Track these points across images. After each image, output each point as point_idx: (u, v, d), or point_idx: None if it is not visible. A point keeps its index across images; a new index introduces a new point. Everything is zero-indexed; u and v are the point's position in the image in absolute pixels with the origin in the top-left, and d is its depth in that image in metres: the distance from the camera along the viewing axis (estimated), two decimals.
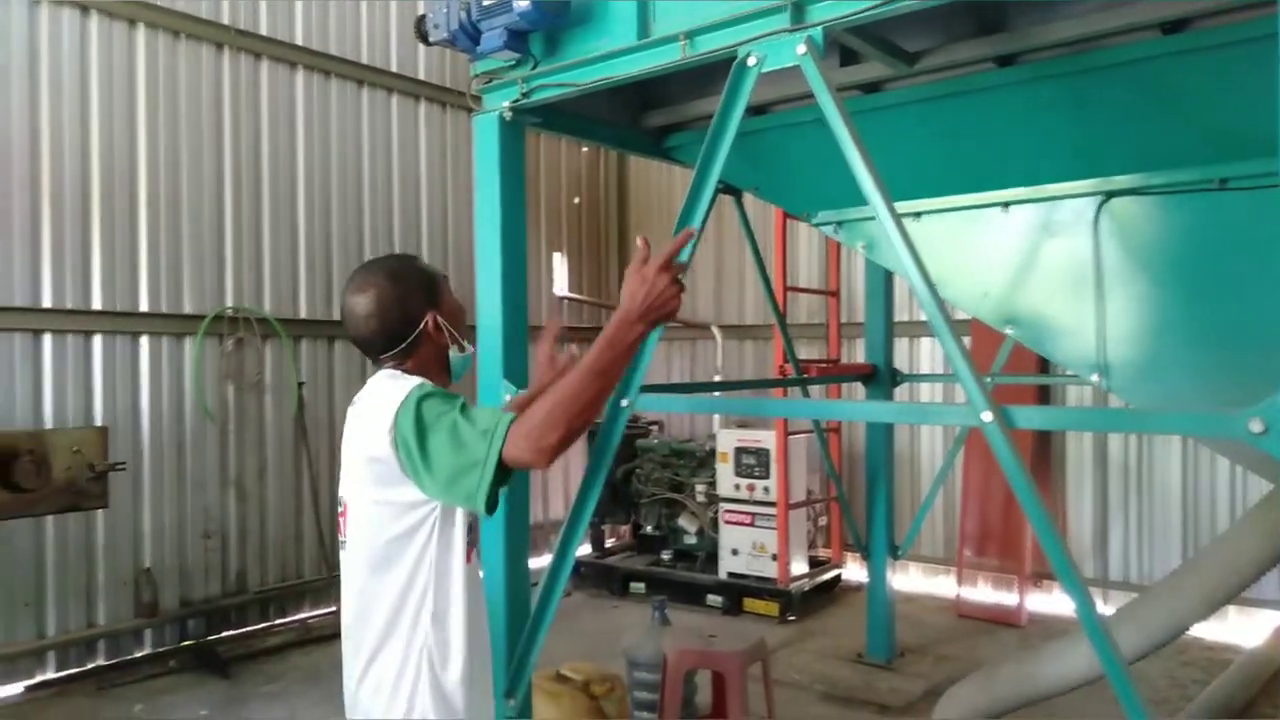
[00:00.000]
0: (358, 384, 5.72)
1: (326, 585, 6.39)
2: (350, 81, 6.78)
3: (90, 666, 5.31)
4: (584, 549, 7.55)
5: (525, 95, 3.21)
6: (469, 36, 3.12)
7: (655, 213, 8.74)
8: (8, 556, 4.99)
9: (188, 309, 5.85)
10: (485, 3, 3.01)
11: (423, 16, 3.26)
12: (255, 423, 6.18)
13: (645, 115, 3.96)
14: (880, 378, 5.48)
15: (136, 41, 5.67)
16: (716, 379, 7.73)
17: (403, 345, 2.01)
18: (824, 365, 5.95)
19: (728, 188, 4.62)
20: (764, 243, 5.68)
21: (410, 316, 2.00)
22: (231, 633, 5.95)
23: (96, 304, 5.46)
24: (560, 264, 8.34)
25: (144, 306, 5.67)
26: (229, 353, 5.99)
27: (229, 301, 6.02)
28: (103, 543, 5.39)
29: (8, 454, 3.79)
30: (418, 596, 1.89)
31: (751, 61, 2.64)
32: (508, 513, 3.25)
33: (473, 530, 2.00)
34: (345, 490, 1.99)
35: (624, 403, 2.88)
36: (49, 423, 5.16)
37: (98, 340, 5.45)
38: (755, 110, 3.69)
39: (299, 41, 6.46)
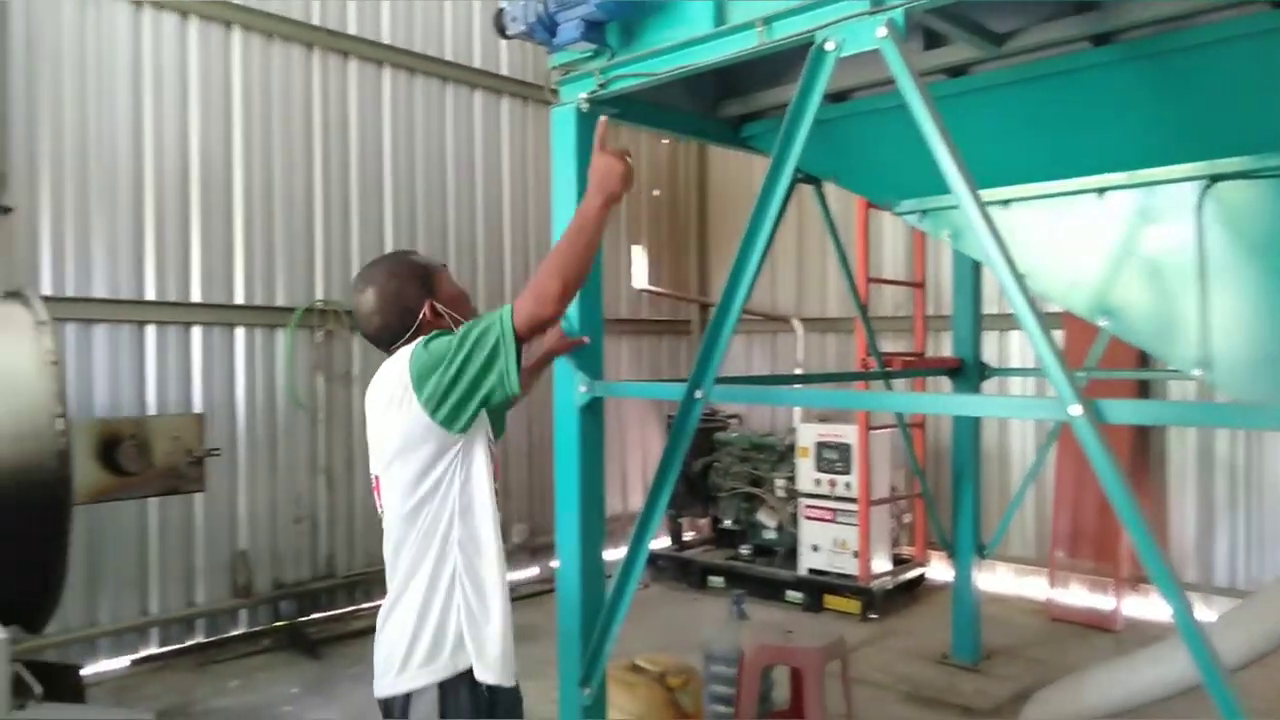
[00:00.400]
0: None
1: None
2: (434, 78, 6.92)
3: (190, 644, 5.56)
4: (662, 542, 7.56)
5: (602, 86, 3.21)
6: (546, 29, 3.14)
7: (736, 203, 8.66)
8: (116, 538, 5.27)
9: (280, 302, 6.06)
10: None
11: (501, 10, 3.29)
12: (344, 413, 6.36)
13: (723, 104, 3.92)
14: (967, 372, 5.33)
15: (232, 43, 5.88)
16: (798, 373, 7.63)
17: (406, 335, 2.22)
18: (908, 359, 5.81)
19: (807, 177, 4.54)
20: (846, 233, 5.58)
21: (408, 307, 2.22)
22: (321, 615, 6.15)
23: (196, 296, 5.70)
24: (640, 256, 8.35)
25: (239, 299, 5.89)
26: (319, 344, 6.18)
27: (319, 295, 6.22)
28: (202, 526, 5.64)
29: (112, 439, 3.99)
30: (444, 529, 2.11)
31: (830, 46, 2.59)
32: (582, 504, 3.27)
33: (495, 461, 2.23)
34: (375, 466, 2.21)
35: (697, 394, 2.86)
36: (152, 410, 5.42)
37: (196, 331, 5.69)
38: (835, 97, 3.62)
39: (385, 40, 6.61)
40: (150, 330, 5.51)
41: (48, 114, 5.14)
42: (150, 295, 5.52)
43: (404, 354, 2.12)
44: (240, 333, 5.89)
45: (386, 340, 2.24)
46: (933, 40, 3.16)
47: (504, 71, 7.31)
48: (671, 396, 2.98)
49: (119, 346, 5.37)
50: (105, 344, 5.33)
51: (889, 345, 6.90)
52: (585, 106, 3.27)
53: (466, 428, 2.11)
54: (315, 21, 6.25)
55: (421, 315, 2.22)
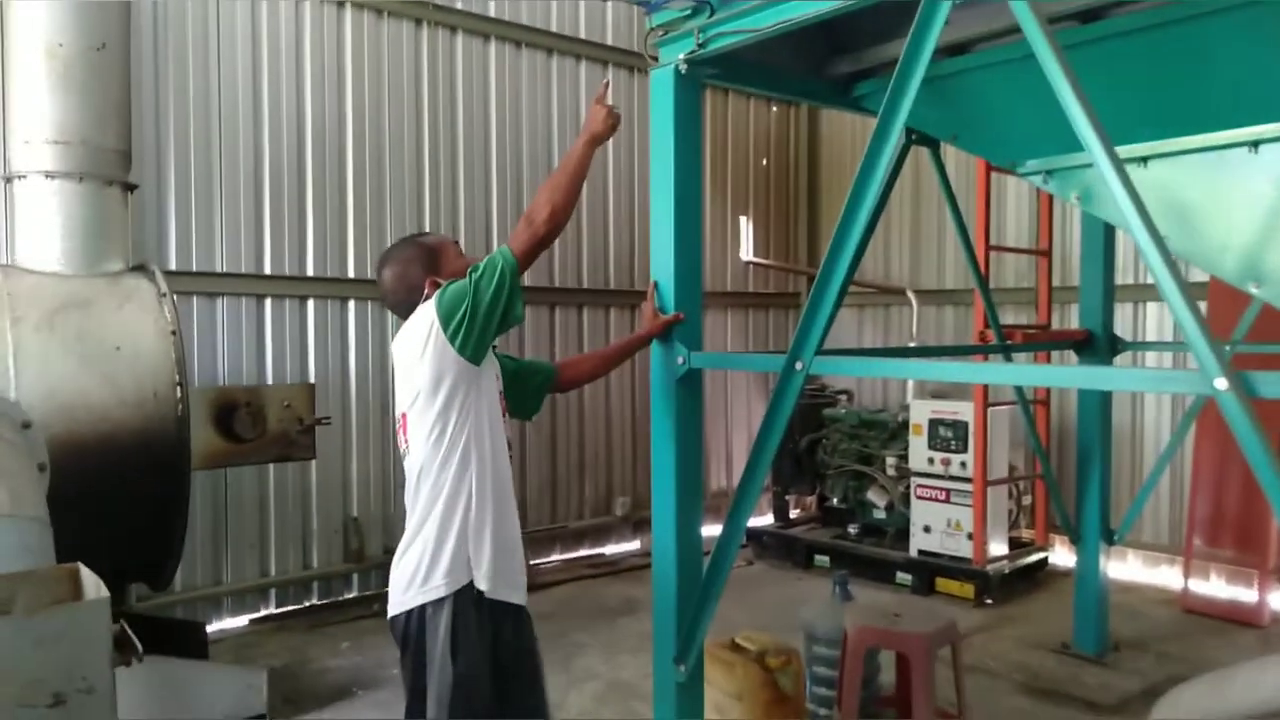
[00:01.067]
0: (546, 348, 5.79)
1: None
2: (540, 50, 6.89)
3: (305, 605, 5.78)
4: (767, 519, 7.43)
5: (701, 45, 3.08)
6: None
7: (848, 171, 8.35)
8: (238, 502, 5.51)
9: None
10: None
11: None
12: None
13: (832, 62, 3.73)
14: (1097, 345, 4.99)
15: (344, 21, 5.99)
16: (910, 345, 7.34)
17: (416, 307, 2.54)
18: (1031, 332, 5.47)
19: (923, 138, 4.30)
20: (965, 199, 5.28)
21: (413, 284, 2.58)
22: None
23: (310, 270, 5.87)
24: (747, 228, 8.17)
25: (351, 273, 6.04)
26: None
27: None
28: (316, 492, 5.84)
29: (229, 406, 4.13)
30: (461, 454, 2.44)
31: None
32: (679, 477, 3.19)
33: (501, 397, 2.62)
34: (402, 406, 2.53)
35: (797, 365, 2.73)
36: (269, 379, 5.63)
37: (311, 305, 5.86)
38: (953, 50, 3.39)
39: (491, 13, 6.61)
40: (268, 303, 5.70)
41: (173, 94, 5.36)
42: (268, 270, 5.71)
43: (426, 307, 2.46)
44: (352, 305, 6.04)
45: (404, 312, 2.60)
46: None
47: (609, 41, 7.21)
48: (770, 369, 2.85)
49: (239, 319, 5.58)
50: (228, 316, 5.54)
51: (1010, 318, 6.54)
52: (684, 68, 3.16)
53: (483, 357, 2.45)
54: None
55: (425, 291, 2.55)
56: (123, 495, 3.64)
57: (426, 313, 2.43)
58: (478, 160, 6.60)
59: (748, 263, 8.19)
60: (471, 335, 2.37)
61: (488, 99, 6.65)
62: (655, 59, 3.32)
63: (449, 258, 2.64)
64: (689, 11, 3.11)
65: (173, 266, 5.35)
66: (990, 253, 5.56)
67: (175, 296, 5.28)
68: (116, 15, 4.08)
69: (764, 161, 8.43)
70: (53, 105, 3.88)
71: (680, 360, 3.18)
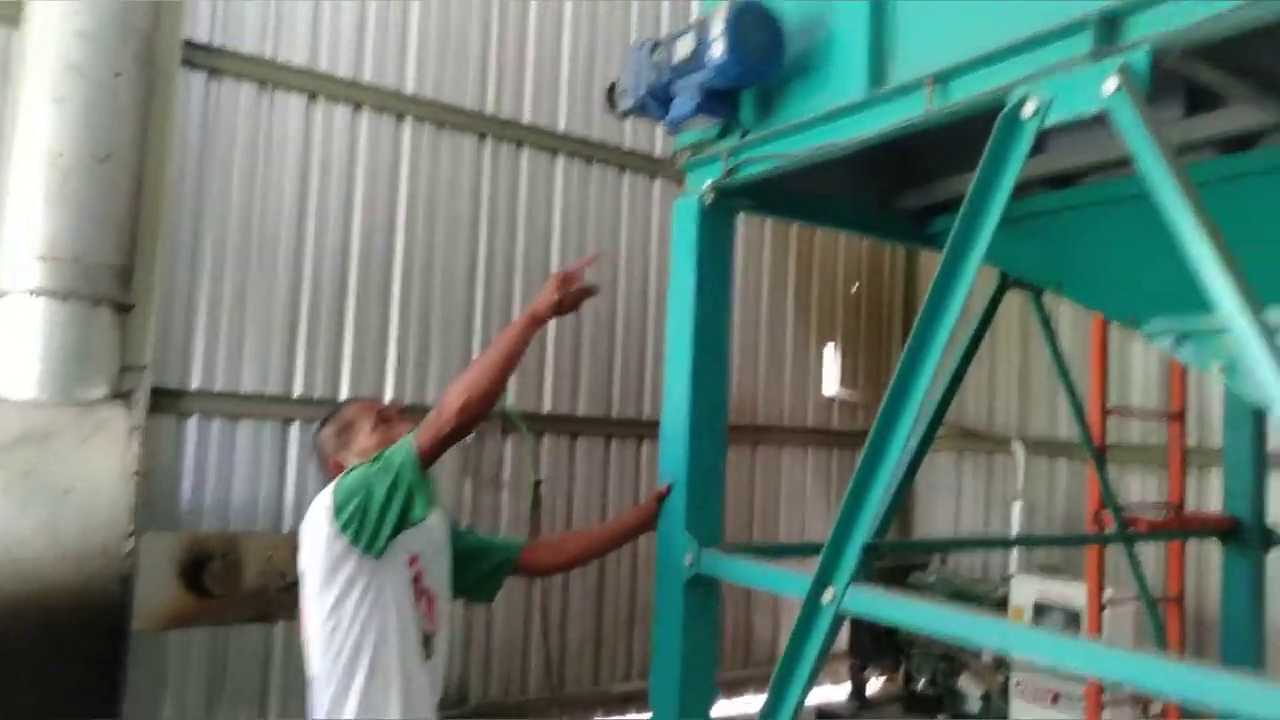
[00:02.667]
0: (599, 483, 5.21)
1: (548, 705, 5.91)
2: (611, 166, 6.52)
3: None
4: (842, 693, 6.48)
5: (730, 172, 2.54)
6: (660, 102, 2.52)
7: None
8: (240, 654, 4.91)
9: (430, 400, 5.73)
10: (676, 59, 2.39)
11: (614, 83, 2.72)
12: (488, 521, 5.89)
13: (901, 192, 3.12)
14: (1245, 535, 4.05)
15: (403, 133, 5.74)
16: (1016, 506, 6.40)
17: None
18: (1159, 518, 4.53)
19: (1019, 282, 3.60)
20: (1085, 345, 4.49)
21: (324, 460, 2.53)
22: None
23: (343, 394, 5.47)
24: (833, 358, 7.47)
25: (388, 397, 5.62)
26: (468, 446, 5.79)
27: None
28: None
29: (200, 557, 3.67)
30: (352, 655, 2.25)
31: (1028, 111, 1.77)
32: (685, 658, 2.49)
33: (418, 583, 2.40)
34: (302, 595, 2.36)
35: (826, 595, 2.02)
36: (288, 512, 5.17)
37: None
38: (1055, 181, 2.73)
39: (561, 129, 6.30)
40: (294, 428, 5.31)
41: (215, 202, 5.13)
42: (297, 392, 5.34)
43: (326, 490, 2.32)
44: None
45: (328, 482, 2.43)
46: (1198, 99, 2.24)
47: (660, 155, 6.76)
48: (795, 592, 2.15)
49: (261, 444, 5.19)
50: (248, 441, 5.16)
51: (1136, 484, 5.59)
52: (710, 198, 2.61)
53: (382, 551, 2.25)
54: (489, 111, 6.03)
55: (331, 466, 2.48)
56: (56, 657, 3.16)
57: (324, 498, 2.30)
58: (535, 280, 6.15)
59: (833, 397, 7.46)
60: (365, 530, 2.21)
61: (550, 216, 6.26)
62: (682, 182, 2.79)
63: (360, 435, 2.48)
64: (716, 132, 2.57)
65: (194, 385, 5.03)
66: (1108, 416, 4.69)
67: (196, 419, 5.13)
68: (128, 123, 3.84)
69: (855, 287, 7.77)
70: (46, 219, 3.61)
71: (688, 559, 2.52)
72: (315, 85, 5.41)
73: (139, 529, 3.33)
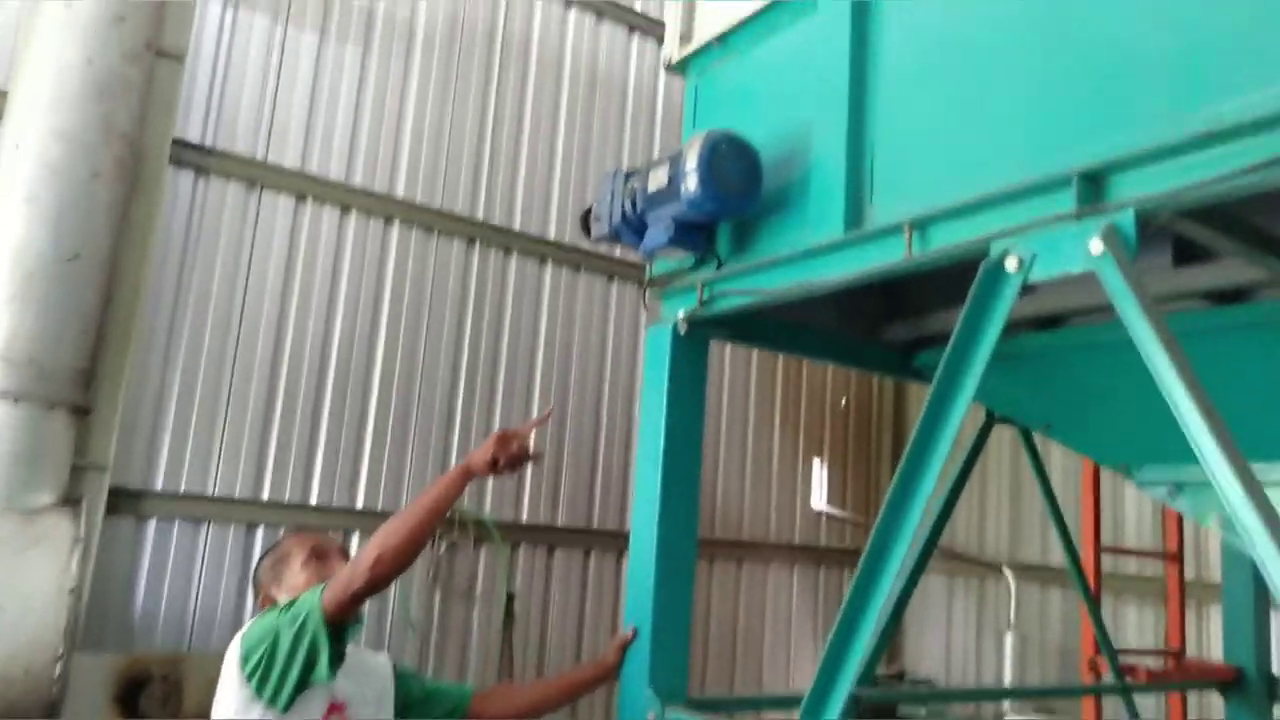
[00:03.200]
0: (577, 598, 5.01)
1: None
2: (599, 275, 6.48)
3: None
4: None
5: (705, 304, 2.44)
6: (634, 230, 2.44)
7: None
8: None
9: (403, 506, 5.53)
10: (651, 189, 2.32)
11: (589, 209, 2.65)
12: (459, 636, 5.63)
13: (887, 324, 3.03)
14: (1248, 687, 3.83)
15: (390, 237, 5.70)
16: (1007, 637, 6.15)
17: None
18: (1158, 668, 4.30)
19: (1007, 419, 3.49)
20: (1073, 477, 4.34)
21: (259, 590, 2.40)
22: None
23: (314, 498, 5.29)
24: (821, 473, 7.30)
25: (360, 504, 5.43)
26: (440, 556, 5.58)
27: None
28: None
29: (138, 680, 3.44)
30: None
31: (1011, 266, 1.69)
32: None
33: None
34: None
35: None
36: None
37: None
38: (1043, 322, 2.64)
39: (551, 237, 6.28)
40: (260, 532, 5.10)
41: (195, 299, 5.03)
42: (266, 495, 5.15)
43: (240, 631, 2.20)
44: (356, 540, 5.39)
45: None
46: (1187, 249, 2.16)
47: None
48: None
49: (224, 548, 4.98)
50: (212, 545, 4.96)
51: (1133, 617, 5.37)
52: (684, 328, 2.51)
53: (288, 707, 2.08)
54: (480, 217, 6.02)
55: (262, 601, 2.35)
56: None
57: (236, 640, 2.18)
58: (519, 388, 6.05)
59: (820, 513, 7.26)
60: (268, 683, 2.05)
61: (538, 322, 6.18)
62: (655, 312, 2.69)
63: (292, 570, 2.33)
64: (691, 262, 2.49)
65: (158, 486, 4.85)
66: (1101, 555, 4.51)
67: (156, 521, 4.93)
68: (103, 223, 3.78)
69: (843, 401, 7.65)
70: (6, 319, 3.50)
71: (650, 718, 2.32)
72: (305, 187, 5.40)
73: (77, 645, 3.11)
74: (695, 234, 2.32)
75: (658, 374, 2.55)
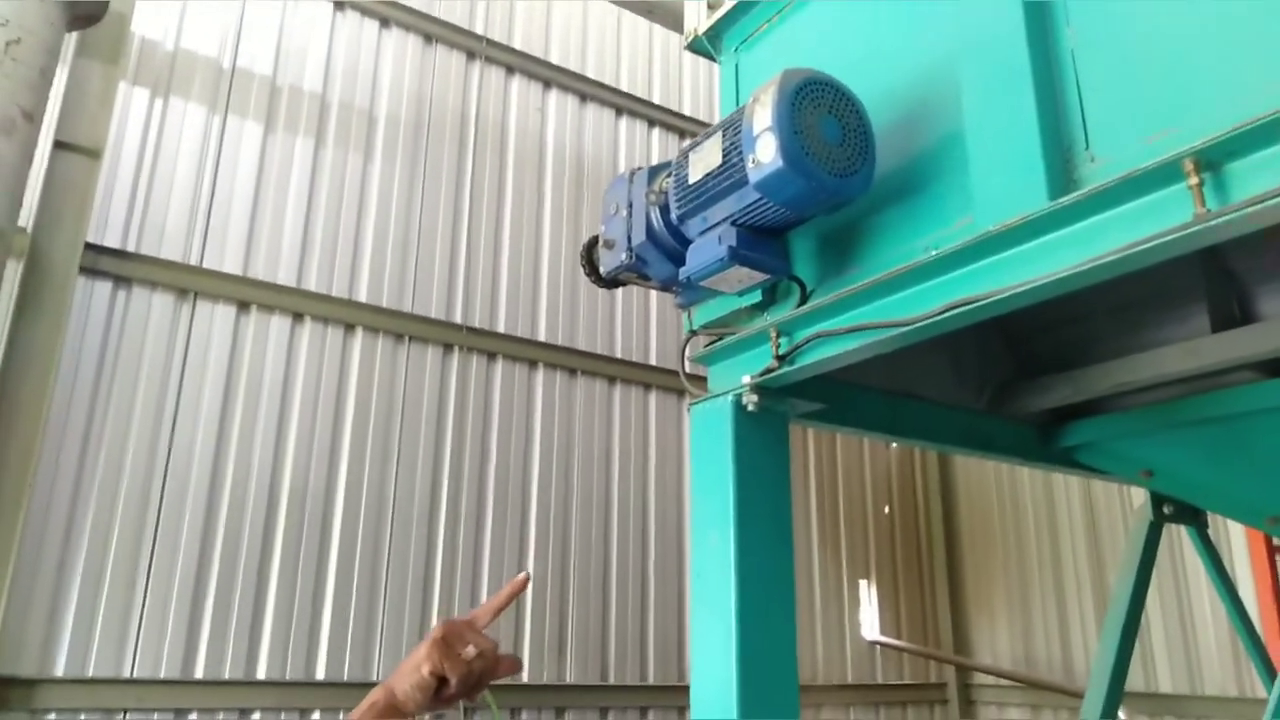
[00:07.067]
0: None
1: None
2: (600, 379, 5.62)
3: None
4: None
5: (784, 358, 1.55)
6: (666, 252, 1.58)
7: (995, 524, 6.50)
8: None
9: (377, 676, 4.48)
10: (696, 176, 1.46)
11: (594, 237, 1.80)
12: None
13: (1015, 389, 2.15)
14: None
15: (352, 347, 4.85)
16: None
17: None
18: None
19: (1178, 507, 2.56)
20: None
21: None
22: None
23: (261, 672, 4.24)
24: (870, 596, 6.27)
25: (320, 675, 4.38)
26: None
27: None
28: None
29: None
30: None
31: None
32: None
33: None
34: None
35: None
36: None
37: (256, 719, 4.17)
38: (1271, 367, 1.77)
39: (542, 338, 5.45)
40: (192, 719, 4.05)
41: (110, 433, 4.12)
42: (199, 673, 4.11)
43: None
44: (317, 718, 4.32)
45: None
46: None
47: (654, 362, 5.82)
48: None
49: None
50: None
51: None
52: (753, 402, 1.61)
53: None
54: (458, 320, 5.20)
55: None
56: None
57: None
58: (512, 520, 5.06)
59: (873, 643, 6.19)
60: None
61: (530, 440, 5.27)
62: (690, 386, 1.81)
63: None
64: (758, 297, 1.62)
65: (59, 673, 3.83)
66: None
67: (55, 717, 3.88)
68: None
69: (886, 509, 6.67)
70: None
71: None
72: (249, 294, 4.58)
73: None
74: (768, 245, 1.46)
75: (715, 476, 1.64)
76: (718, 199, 1.43)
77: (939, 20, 1.45)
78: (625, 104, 6.18)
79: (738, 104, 1.82)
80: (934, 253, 1.29)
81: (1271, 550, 3.64)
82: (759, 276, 1.49)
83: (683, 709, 5.24)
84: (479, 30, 5.62)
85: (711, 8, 1.93)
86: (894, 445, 6.69)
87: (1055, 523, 5.97)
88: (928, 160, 1.42)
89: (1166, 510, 2.48)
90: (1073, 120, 1.21)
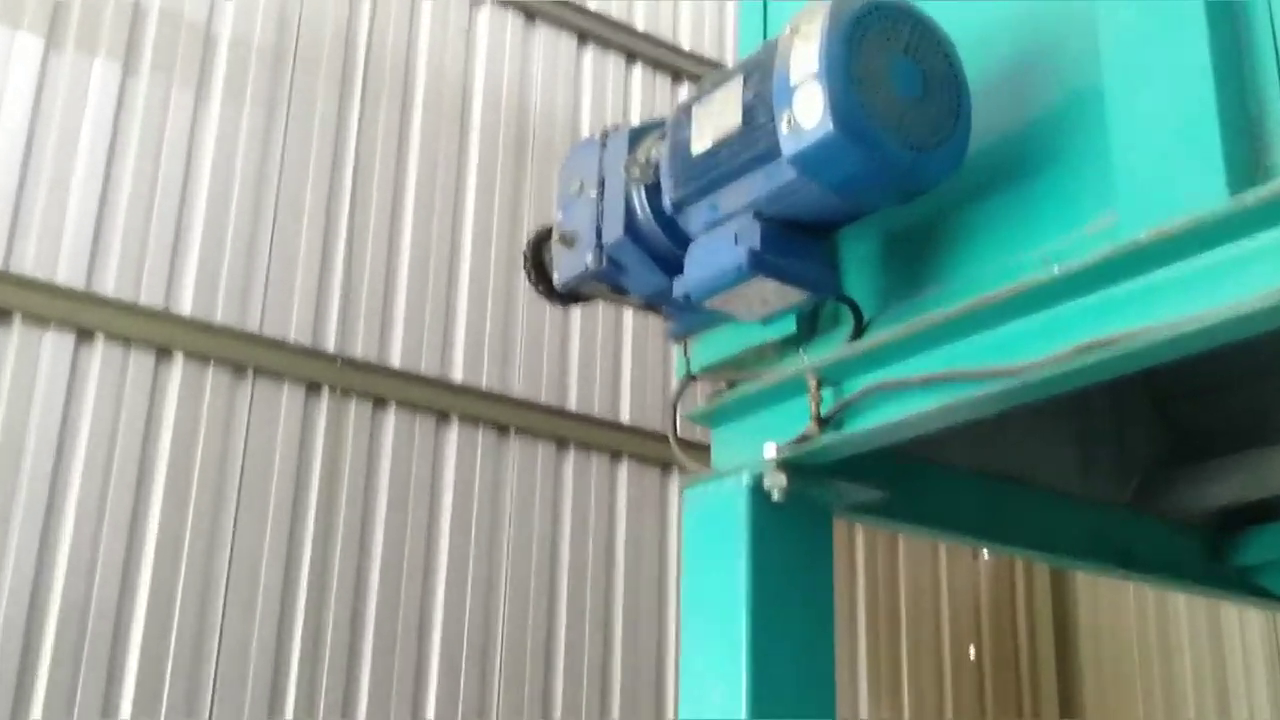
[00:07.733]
0: None
1: None
2: (545, 440, 5.86)
3: None
4: None
5: (827, 420, 1.62)
6: (655, 255, 1.63)
7: (1137, 669, 6.69)
8: None
9: None
10: (703, 146, 1.51)
11: (546, 232, 1.87)
12: None
13: (1170, 479, 2.29)
14: None
15: (168, 380, 5.01)
16: None
17: None
18: None
19: None
20: None
21: None
22: None
23: None
24: None
25: None
26: None
27: None
28: None
29: None
30: None
31: None
32: None
33: None
34: None
35: None
36: None
37: None
38: None
39: (458, 379, 5.71)
40: None
41: None
42: None
43: None
44: None
45: None
46: None
47: (626, 420, 6.12)
48: None
49: None
50: None
51: None
52: (779, 487, 1.66)
53: None
54: (330, 348, 5.35)
55: None
56: None
57: None
58: (406, 638, 5.20)
59: None
60: None
61: (435, 524, 5.40)
62: (689, 448, 1.87)
63: None
64: (793, 327, 1.67)
65: None
66: None
67: None
68: None
69: (972, 650, 6.95)
70: None
71: None
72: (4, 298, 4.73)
73: None
74: (807, 248, 1.49)
75: (718, 598, 1.70)
76: (734, 177, 1.49)
77: None
78: (594, 28, 6.45)
79: (765, 36, 1.91)
80: (1056, 269, 1.34)
81: None
82: (792, 295, 1.55)
83: None
84: None
85: None
86: (987, 554, 7.01)
87: (1226, 674, 6.11)
88: (1047, 130, 1.49)
89: None
90: (1264, 82, 1.27)
